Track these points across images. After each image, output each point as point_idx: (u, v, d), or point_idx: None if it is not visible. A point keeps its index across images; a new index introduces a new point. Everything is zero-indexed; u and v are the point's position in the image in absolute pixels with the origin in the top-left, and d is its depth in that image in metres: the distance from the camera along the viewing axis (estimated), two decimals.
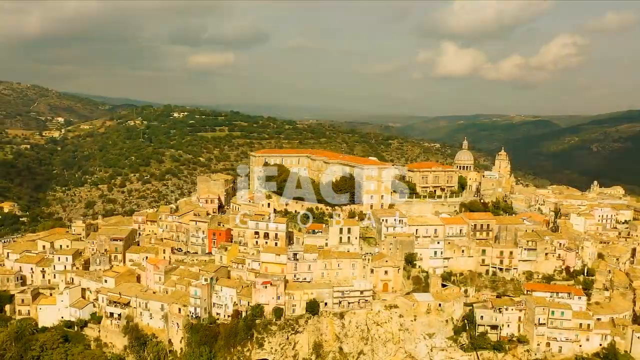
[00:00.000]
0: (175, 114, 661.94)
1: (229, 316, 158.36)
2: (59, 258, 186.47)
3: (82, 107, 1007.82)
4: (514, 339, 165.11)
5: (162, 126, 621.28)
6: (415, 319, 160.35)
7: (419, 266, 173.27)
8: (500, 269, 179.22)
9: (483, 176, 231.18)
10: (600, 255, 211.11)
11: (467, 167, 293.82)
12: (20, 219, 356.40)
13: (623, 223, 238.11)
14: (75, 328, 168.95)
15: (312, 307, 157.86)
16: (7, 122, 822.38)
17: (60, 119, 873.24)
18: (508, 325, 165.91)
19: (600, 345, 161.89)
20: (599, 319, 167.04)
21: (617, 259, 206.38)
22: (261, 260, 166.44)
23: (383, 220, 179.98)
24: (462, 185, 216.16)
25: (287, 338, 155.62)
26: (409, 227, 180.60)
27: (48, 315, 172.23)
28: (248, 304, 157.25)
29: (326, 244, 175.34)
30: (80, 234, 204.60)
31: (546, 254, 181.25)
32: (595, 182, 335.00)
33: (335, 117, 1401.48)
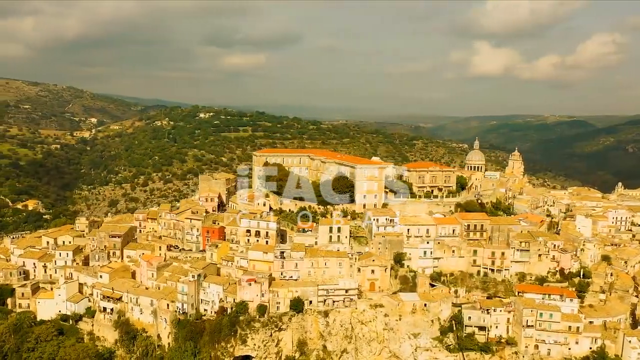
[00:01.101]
0: (202, 115, 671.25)
1: (215, 312, 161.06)
2: (60, 254, 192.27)
3: (115, 108, 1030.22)
4: (502, 340, 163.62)
5: (187, 126, 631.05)
6: (400, 319, 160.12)
7: (408, 266, 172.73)
8: (492, 270, 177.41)
9: (483, 176, 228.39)
10: (607, 258, 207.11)
11: (478, 167, 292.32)
12: (44, 217, 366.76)
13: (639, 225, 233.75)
14: (71, 322, 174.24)
15: (296, 305, 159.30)
16: (43, 122, 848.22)
17: (94, 120, 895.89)
18: (496, 327, 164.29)
19: (590, 348, 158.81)
20: (591, 322, 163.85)
21: (626, 262, 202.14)
22: (249, 258, 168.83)
23: (374, 219, 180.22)
24: (463, 185, 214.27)
25: (271, 335, 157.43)
26: (401, 227, 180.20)
27: (46, 308, 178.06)
28: (234, 301, 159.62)
29: (316, 243, 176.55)
30: (83, 231, 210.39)
31: (540, 255, 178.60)
32: (620, 184, 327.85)
33: (365, 118, 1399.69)
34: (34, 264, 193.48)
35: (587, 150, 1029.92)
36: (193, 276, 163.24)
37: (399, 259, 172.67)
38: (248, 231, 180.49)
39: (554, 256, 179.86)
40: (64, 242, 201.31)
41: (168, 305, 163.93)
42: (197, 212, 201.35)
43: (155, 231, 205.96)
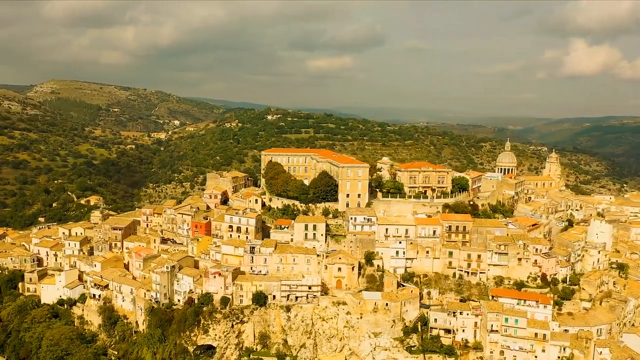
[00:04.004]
0: (269, 117, 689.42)
1: (184, 302, 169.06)
2: (69, 244, 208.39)
3: (198, 111, 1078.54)
4: (469, 344, 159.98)
5: (253, 128, 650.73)
6: (361, 317, 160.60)
7: (378, 265, 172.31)
8: (467, 273, 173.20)
9: (483, 177, 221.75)
10: (622, 266, 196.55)
11: (510, 169, 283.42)
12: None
13: None
14: (65, 306, 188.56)
15: (259, 299, 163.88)
16: (130, 124, 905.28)
17: (176, 122, 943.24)
18: (463, 330, 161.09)
19: (559, 357, 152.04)
20: (566, 331, 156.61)
21: None
22: (222, 252, 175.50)
23: (351, 218, 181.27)
24: (463, 186, 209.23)
25: (232, 326, 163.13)
26: (378, 227, 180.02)
27: (49, 293, 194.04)
28: (201, 292, 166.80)
29: (292, 240, 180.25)
30: (97, 223, 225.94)
31: (519, 259, 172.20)
32: None
33: (449, 120, 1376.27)
34: (47, 252, 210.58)
35: None
36: (167, 267, 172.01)
37: (369, 258, 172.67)
38: (230, 227, 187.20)
39: (536, 260, 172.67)
40: (76, 233, 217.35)
41: (145, 294, 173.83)
42: (198, 208, 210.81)
43: (160, 225, 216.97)
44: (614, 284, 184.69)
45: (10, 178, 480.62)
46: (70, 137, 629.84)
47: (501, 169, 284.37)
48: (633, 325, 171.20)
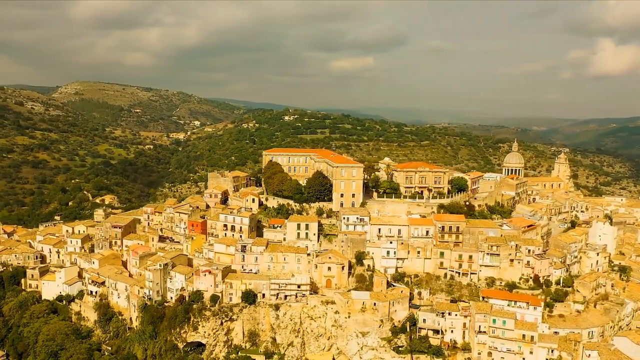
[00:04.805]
0: (286, 117, 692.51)
1: (176, 300, 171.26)
2: (71, 241, 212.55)
3: (219, 112, 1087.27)
4: (458, 345, 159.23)
5: (270, 128, 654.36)
6: (349, 316, 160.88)
7: (369, 265, 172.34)
8: (458, 273, 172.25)
9: (481, 177, 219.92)
10: (625, 269, 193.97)
11: (517, 170, 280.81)
12: (114, 210, 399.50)
13: None
14: (64, 302, 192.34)
15: (248, 297, 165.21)
16: (151, 125, 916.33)
17: (197, 122, 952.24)
18: (452, 331, 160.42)
19: (547, 359, 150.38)
20: (556, 333, 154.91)
21: None
22: (214, 251, 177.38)
23: (344, 218, 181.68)
24: (461, 187, 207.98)
25: (221, 324, 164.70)
26: (371, 227, 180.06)
27: (49, 289, 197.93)
28: (193, 290, 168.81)
29: (284, 239, 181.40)
30: (99, 221, 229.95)
31: (511, 260, 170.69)
32: None
33: (470, 121, 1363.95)
34: (50, 249, 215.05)
35: None
36: (160, 265, 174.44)
37: (360, 258, 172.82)
38: (225, 225, 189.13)
39: (528, 262, 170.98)
40: (79, 231, 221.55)
41: (138, 291, 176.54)
42: (198, 207, 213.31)
43: (160, 224, 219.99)
44: (612, 286, 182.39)
45: (29, 177, 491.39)
46: (90, 137, 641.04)
47: (509, 169, 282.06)
48: (630, 329, 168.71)
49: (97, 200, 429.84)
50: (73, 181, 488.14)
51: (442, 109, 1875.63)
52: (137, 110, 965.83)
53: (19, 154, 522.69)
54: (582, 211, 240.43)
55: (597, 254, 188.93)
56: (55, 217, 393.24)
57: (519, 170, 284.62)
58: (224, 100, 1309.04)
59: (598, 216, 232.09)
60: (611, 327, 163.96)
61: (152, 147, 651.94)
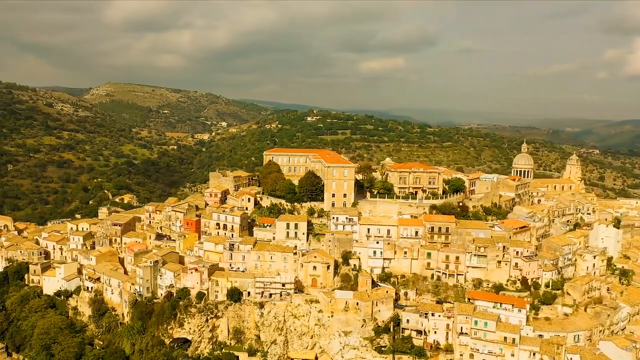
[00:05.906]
0: (309, 118, 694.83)
1: (164, 296, 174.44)
2: (73, 238, 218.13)
3: (246, 113, 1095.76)
4: (441, 346, 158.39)
5: (292, 129, 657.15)
6: (332, 316, 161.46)
7: (355, 265, 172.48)
8: (445, 274, 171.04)
9: (478, 178, 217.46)
10: (626, 272, 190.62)
11: (526, 171, 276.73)
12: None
13: None
14: (62, 297, 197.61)
15: (233, 295, 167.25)
16: (178, 125, 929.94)
17: (224, 124, 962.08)
18: (435, 332, 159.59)
19: None
20: (540, 335, 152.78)
21: None
22: (204, 249, 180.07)
23: (333, 217, 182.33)
24: (458, 188, 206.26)
25: (206, 321, 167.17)
26: (360, 227, 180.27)
27: (50, 285, 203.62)
28: (180, 287, 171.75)
29: (274, 238, 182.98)
30: (102, 219, 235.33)
31: (499, 261, 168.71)
32: None
33: (501, 122, 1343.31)
34: (54, 246, 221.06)
35: None
36: (150, 262, 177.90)
37: (346, 257, 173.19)
38: (218, 224, 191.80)
39: (516, 264, 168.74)
40: (82, 228, 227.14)
41: (130, 287, 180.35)
42: (196, 206, 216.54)
43: (160, 222, 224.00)
44: (607, 290, 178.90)
45: (54, 176, 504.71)
46: (115, 137, 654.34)
47: (518, 171, 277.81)
48: (625, 334, 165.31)
49: (117, 199, 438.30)
50: (95, 180, 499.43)
51: (473, 110, 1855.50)
52: (166, 111, 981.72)
53: (45, 154, 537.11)
54: (588, 213, 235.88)
55: (594, 257, 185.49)
56: (76, 216, 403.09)
57: (529, 171, 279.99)
58: (252, 101, 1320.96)
59: (606, 219, 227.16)
60: (601, 331, 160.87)
61: (175, 147, 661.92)
